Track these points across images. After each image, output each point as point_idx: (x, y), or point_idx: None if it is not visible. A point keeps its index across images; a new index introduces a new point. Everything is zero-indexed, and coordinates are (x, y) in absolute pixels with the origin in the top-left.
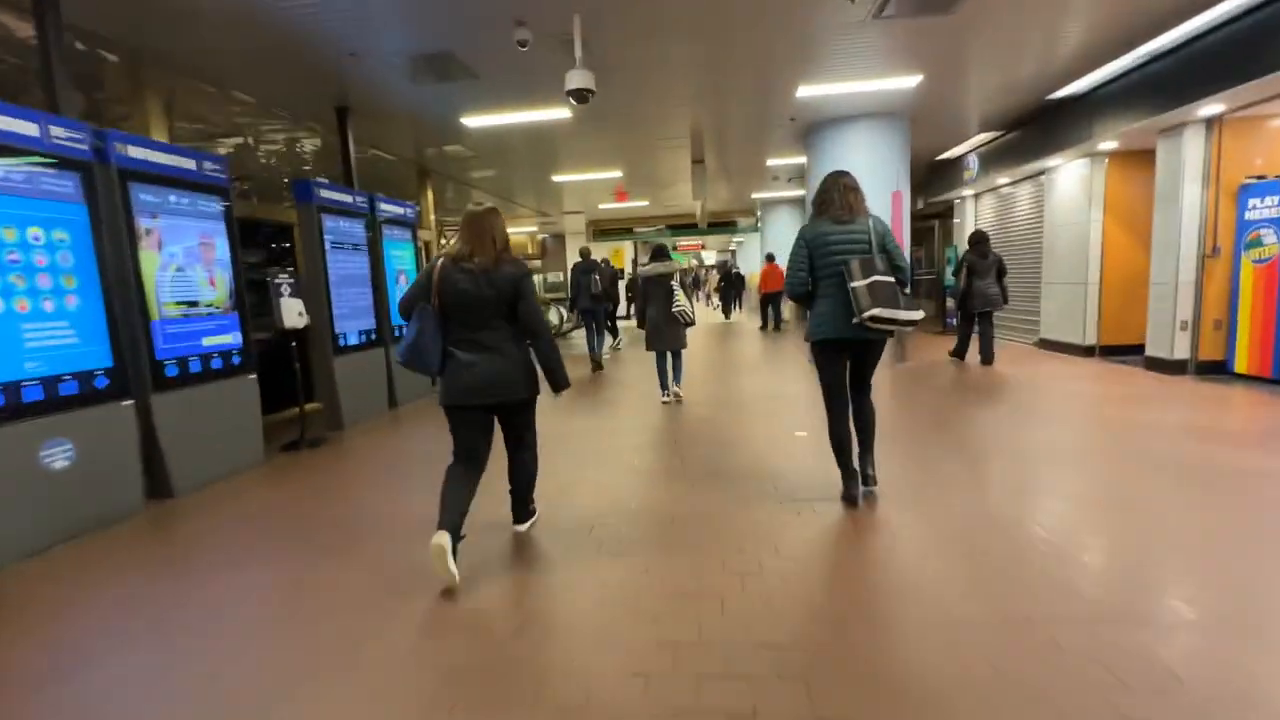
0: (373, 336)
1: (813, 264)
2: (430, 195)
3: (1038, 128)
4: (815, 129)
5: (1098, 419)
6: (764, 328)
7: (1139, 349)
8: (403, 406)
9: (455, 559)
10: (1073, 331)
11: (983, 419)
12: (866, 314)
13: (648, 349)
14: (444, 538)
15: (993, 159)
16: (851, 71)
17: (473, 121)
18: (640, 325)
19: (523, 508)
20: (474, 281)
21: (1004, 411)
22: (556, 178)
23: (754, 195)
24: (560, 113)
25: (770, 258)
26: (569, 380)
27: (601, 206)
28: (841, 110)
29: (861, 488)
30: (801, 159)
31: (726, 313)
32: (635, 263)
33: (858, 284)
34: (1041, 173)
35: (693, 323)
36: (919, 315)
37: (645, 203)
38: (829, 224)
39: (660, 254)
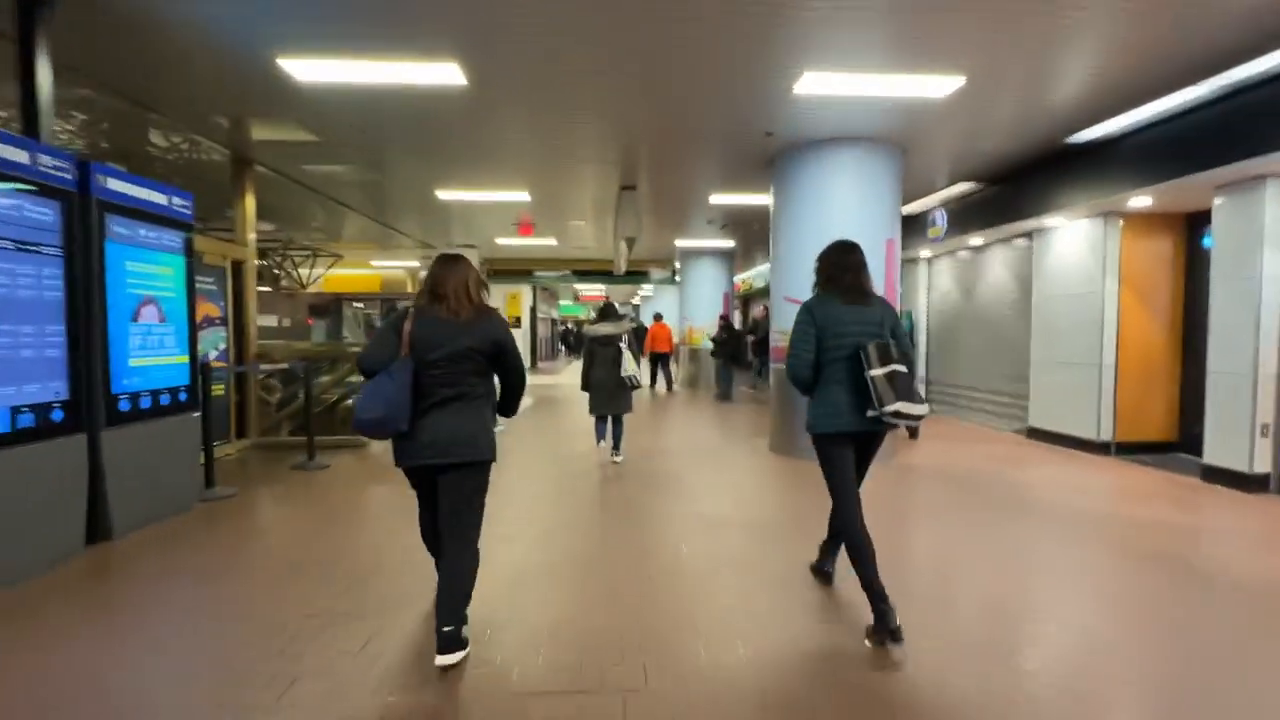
0: (55, 416)
1: (819, 345)
2: (249, 199)
3: (1033, 180)
4: (791, 154)
5: (1234, 583)
6: (653, 387)
7: (1161, 447)
8: (120, 540)
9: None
10: (1081, 423)
11: (1059, 561)
12: (890, 409)
13: (591, 412)
14: (450, 659)
15: (966, 216)
16: (870, 61)
17: (298, 68)
18: (584, 387)
19: (454, 624)
20: (452, 334)
21: (1083, 560)
22: (443, 194)
23: (677, 242)
24: (446, 73)
25: (658, 317)
26: (517, 410)
27: (500, 241)
28: (830, 128)
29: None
30: (760, 197)
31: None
32: (534, 311)
33: (877, 373)
34: (1029, 234)
35: (640, 386)
36: (927, 409)
37: (552, 241)
38: (837, 303)
39: (609, 312)
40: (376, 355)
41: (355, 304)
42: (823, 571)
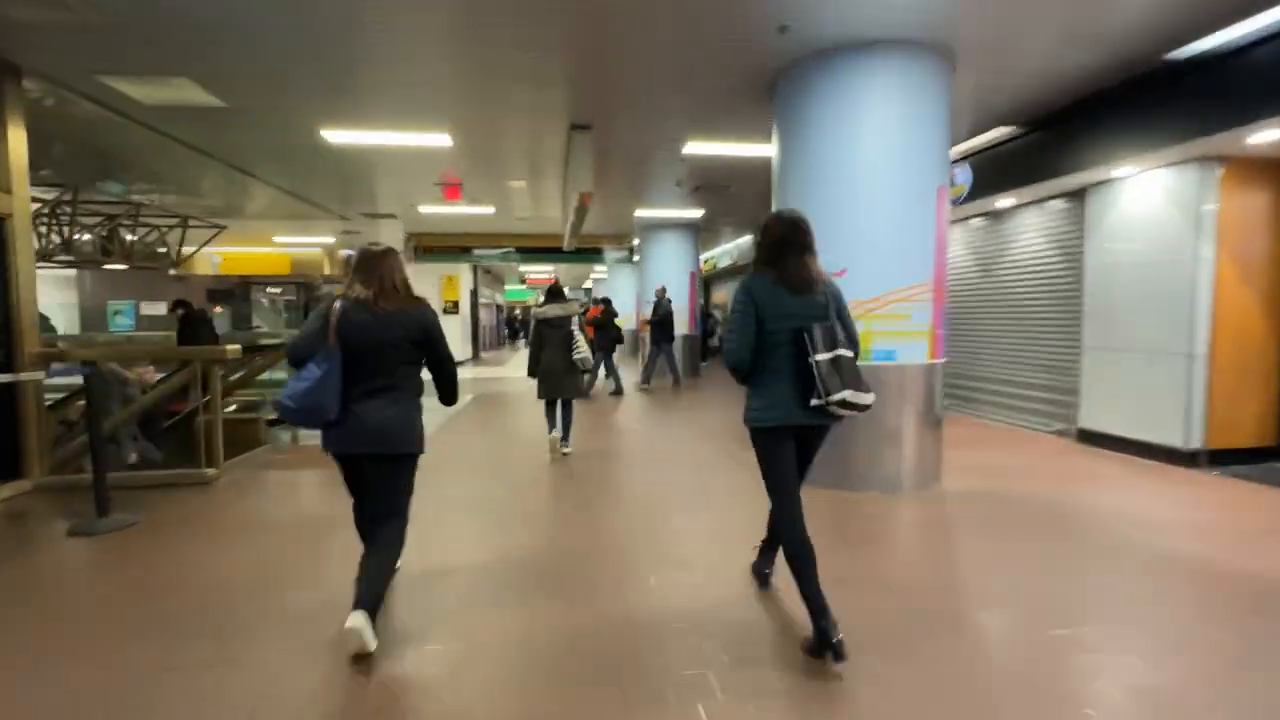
0: None
1: (760, 328)
2: (14, 126)
3: (1096, 118)
4: (804, 73)
5: None
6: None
7: (1256, 455)
8: None
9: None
10: (1158, 425)
11: None
12: (836, 397)
13: (539, 396)
14: (359, 621)
15: (993, 172)
16: None
17: None
18: (531, 372)
19: (373, 597)
20: (380, 325)
21: None
22: (332, 135)
23: (636, 213)
24: None
25: (596, 301)
26: (456, 399)
27: (424, 210)
28: (862, 20)
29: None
30: (745, 147)
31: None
32: (474, 295)
33: (821, 358)
34: (1080, 191)
35: (590, 370)
36: (874, 398)
37: (489, 209)
38: (778, 288)
39: (556, 294)
40: (305, 345)
41: (270, 289)
42: (762, 574)
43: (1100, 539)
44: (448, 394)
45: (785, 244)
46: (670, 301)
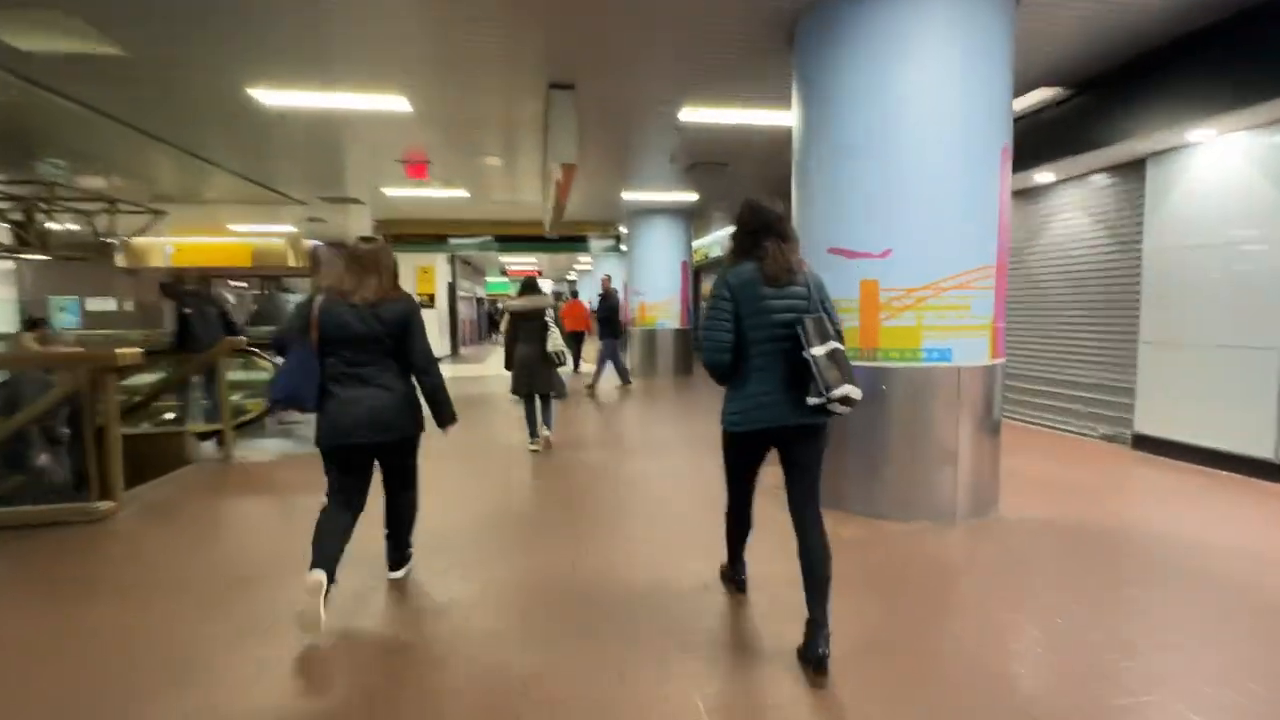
0: None
1: (738, 324)
2: None
3: (1164, 74)
4: (837, 4)
5: None
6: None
7: None
8: None
9: (326, 604)
10: (1238, 432)
11: None
12: (839, 393)
13: (513, 392)
14: (320, 576)
15: (1036, 139)
16: None
17: None
18: (507, 367)
19: (400, 551)
20: (359, 316)
21: None
22: (262, 94)
23: (624, 195)
24: None
25: (574, 294)
26: (456, 415)
27: (390, 193)
28: None
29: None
30: (752, 113)
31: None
32: (453, 288)
33: (818, 351)
34: (1137, 163)
35: (567, 363)
36: (860, 393)
37: (462, 193)
38: (757, 280)
39: (531, 287)
40: (287, 334)
41: (233, 283)
42: (735, 580)
43: (1227, 588)
44: (433, 401)
45: (763, 231)
46: (617, 294)
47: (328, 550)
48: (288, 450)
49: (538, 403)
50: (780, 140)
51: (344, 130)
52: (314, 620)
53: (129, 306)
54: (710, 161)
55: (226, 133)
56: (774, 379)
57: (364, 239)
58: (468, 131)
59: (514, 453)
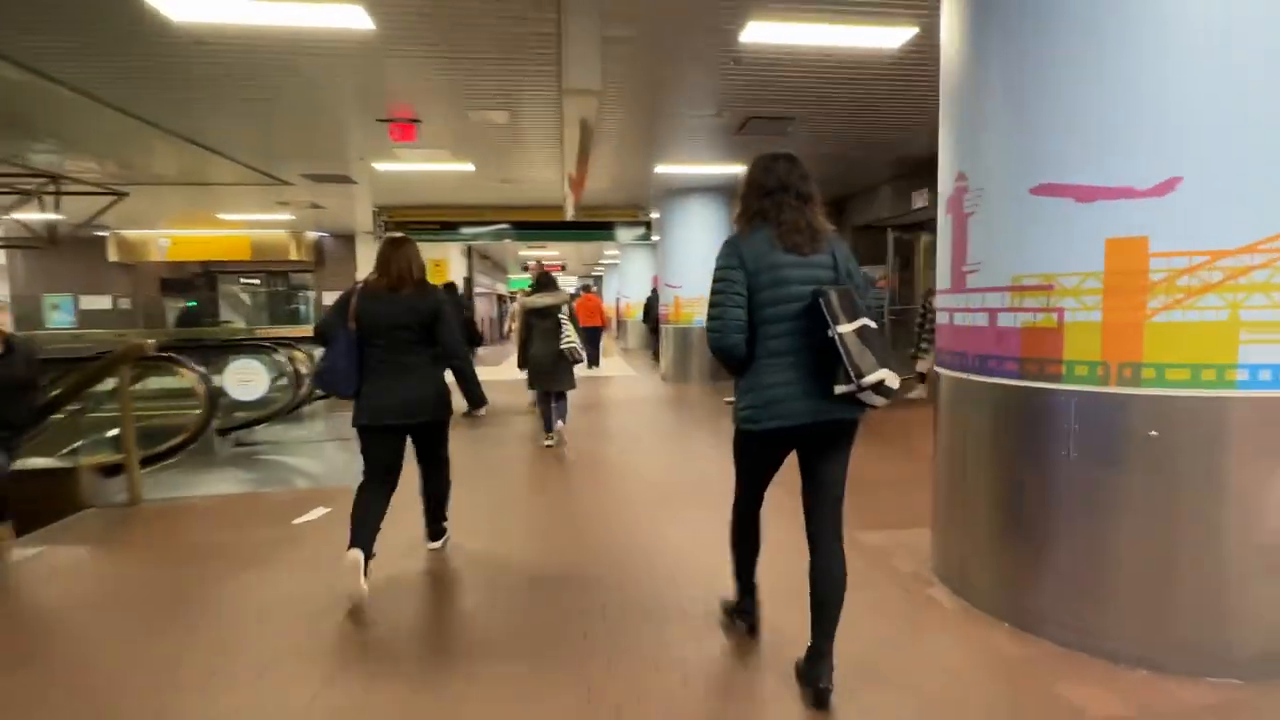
0: None
1: (751, 301)
2: None
3: None
4: None
5: None
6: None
7: None
8: None
9: (366, 577)
10: None
11: None
12: (872, 379)
13: (530, 388)
14: (357, 554)
15: None
16: None
17: None
18: (521, 364)
19: (437, 524)
20: (394, 307)
21: None
22: (161, 3)
23: (657, 169)
24: None
25: (586, 288)
26: (486, 397)
27: (380, 168)
28: None
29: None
30: (855, 31)
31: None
32: (469, 284)
33: (845, 329)
34: None
35: (582, 360)
36: (899, 381)
37: (468, 166)
38: (772, 246)
39: (547, 283)
40: (329, 324)
41: (245, 279)
42: (741, 612)
43: None
44: (463, 385)
45: (779, 190)
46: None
47: (366, 526)
48: (229, 490)
49: (552, 399)
50: (871, 78)
51: (290, 66)
52: (357, 594)
53: (125, 304)
54: (771, 116)
55: (146, 75)
56: (795, 366)
57: (392, 238)
58: (455, 64)
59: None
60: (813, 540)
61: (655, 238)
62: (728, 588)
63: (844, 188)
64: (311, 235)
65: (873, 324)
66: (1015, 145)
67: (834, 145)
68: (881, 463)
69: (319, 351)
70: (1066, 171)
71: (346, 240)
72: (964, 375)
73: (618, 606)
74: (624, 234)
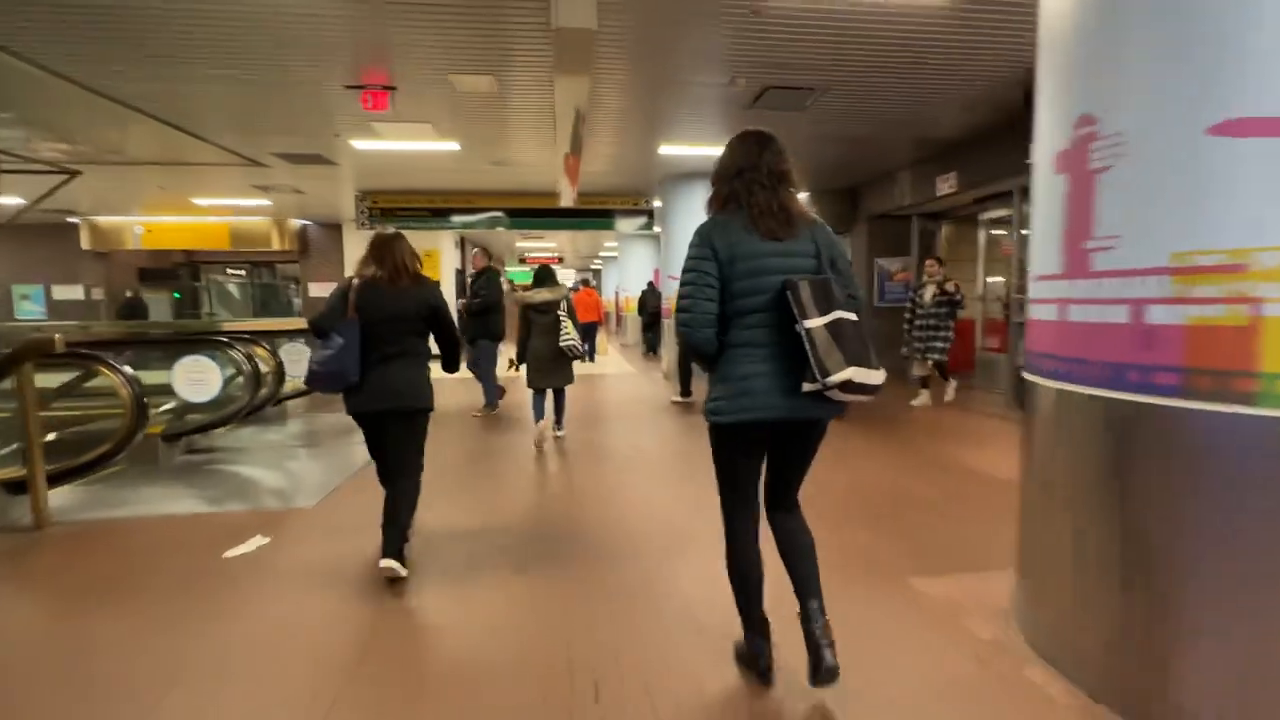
0: None
1: (724, 290)
2: None
3: None
4: None
5: None
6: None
7: None
8: None
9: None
10: None
11: None
12: (837, 379)
13: (529, 385)
14: (390, 562)
15: None
16: None
17: None
18: (519, 360)
19: (399, 539)
20: (392, 300)
21: None
22: None
23: (662, 150)
24: None
25: (585, 283)
26: (459, 365)
27: (360, 147)
28: None
29: (817, 664)
30: None
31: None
32: (461, 274)
33: (814, 323)
34: None
35: (581, 356)
36: (884, 376)
37: (453, 145)
38: (747, 233)
39: (546, 277)
40: (328, 318)
41: (230, 270)
42: (752, 655)
43: None
44: (450, 360)
45: (752, 169)
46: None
47: (395, 535)
48: (163, 509)
49: (549, 396)
50: (906, 39)
51: (256, 22)
52: (398, 576)
53: (98, 295)
54: (790, 86)
55: (99, 41)
56: (769, 358)
57: (384, 233)
58: (431, 18)
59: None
60: (773, 514)
61: (657, 229)
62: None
63: (860, 175)
64: (295, 223)
65: (850, 316)
66: (1184, 67)
67: (855, 124)
68: (914, 478)
69: (291, 346)
70: (1269, 96)
71: (333, 229)
72: (1081, 389)
73: (614, 679)
74: (624, 223)
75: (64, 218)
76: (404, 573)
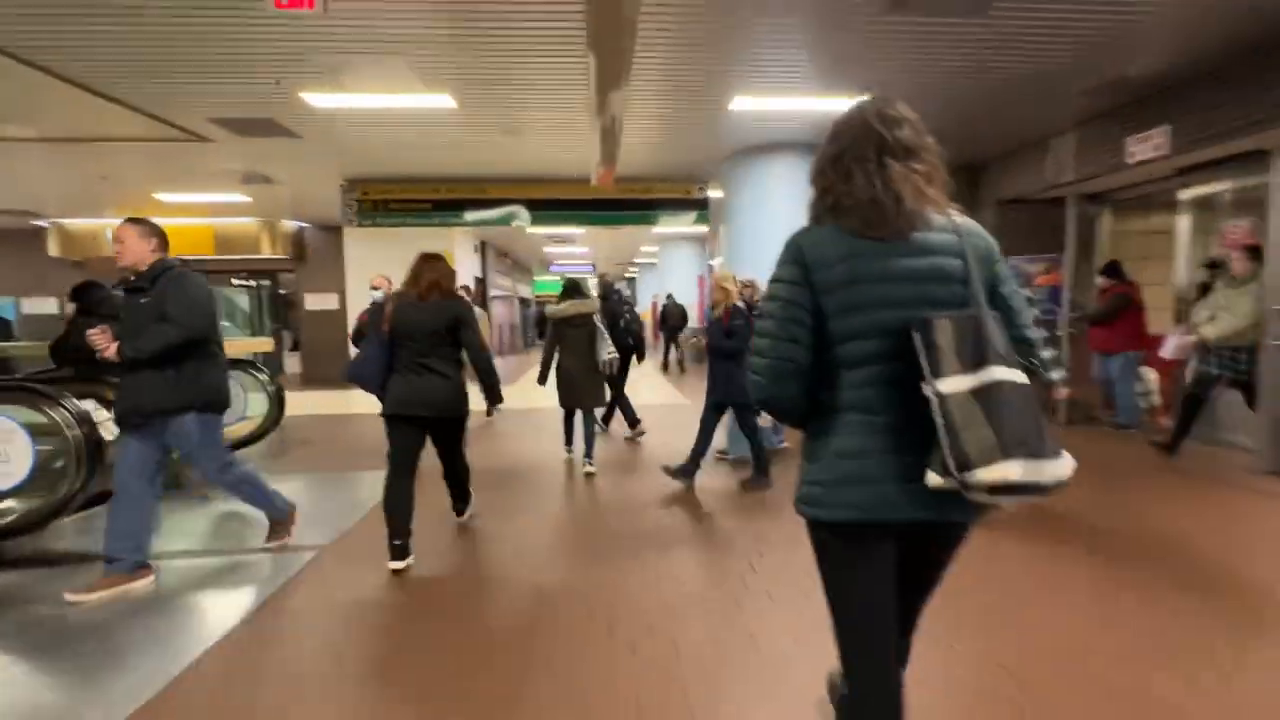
0: None
1: (822, 328)
2: None
3: None
4: None
5: None
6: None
7: None
8: None
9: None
10: None
11: None
12: (985, 477)
13: (561, 404)
14: (397, 564)
15: None
16: None
17: None
18: (542, 380)
19: (463, 500)
20: (423, 313)
21: None
22: None
23: (734, 106)
24: None
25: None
26: (502, 398)
27: (316, 103)
28: None
29: None
30: None
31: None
32: (483, 284)
33: (953, 387)
34: None
35: (615, 372)
36: (1067, 470)
37: (445, 98)
38: (855, 238)
39: (575, 290)
40: (359, 329)
41: (235, 280)
42: None
43: None
44: (484, 380)
45: (853, 145)
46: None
47: (399, 526)
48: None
49: (579, 416)
50: None
51: None
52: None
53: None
54: None
55: None
56: (886, 428)
57: (425, 254)
58: None
59: None
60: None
61: (703, 228)
62: None
63: (990, 146)
64: (289, 226)
65: (1017, 377)
66: None
67: (1016, 54)
68: (1143, 642)
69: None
70: None
71: (333, 233)
72: None
73: None
74: (670, 219)
75: (28, 220)
76: (464, 519)
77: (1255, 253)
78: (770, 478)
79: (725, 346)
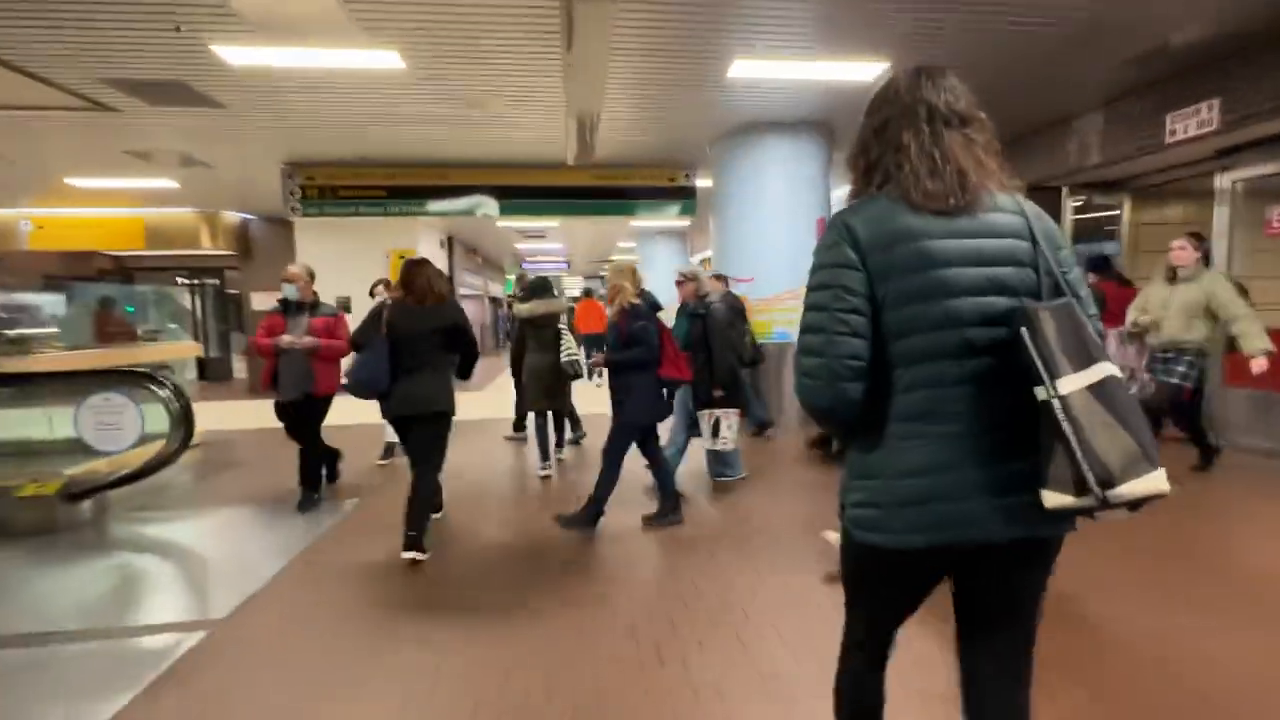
0: None
1: (878, 323)
2: None
3: None
4: None
5: None
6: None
7: None
8: None
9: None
10: None
11: None
12: (1135, 489)
13: (528, 408)
14: (411, 554)
15: None
16: None
17: None
18: (515, 379)
19: (419, 531)
20: (420, 317)
21: None
22: None
23: (733, 71)
24: None
25: (588, 293)
26: (472, 374)
27: (232, 58)
28: None
29: None
30: None
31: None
32: (448, 280)
33: (1072, 384)
34: None
35: (582, 374)
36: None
37: (393, 56)
38: (912, 212)
39: (542, 289)
40: (363, 333)
41: (180, 277)
42: None
43: None
44: (466, 369)
45: (910, 111)
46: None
47: (415, 522)
48: None
49: (550, 420)
50: None
51: None
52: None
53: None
54: None
55: None
56: (960, 439)
57: (413, 260)
58: None
59: None
60: (978, 705)
61: (686, 221)
62: None
63: (1006, 131)
64: (232, 218)
65: (1117, 371)
66: None
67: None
68: None
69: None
70: None
71: (282, 226)
72: None
73: None
74: (654, 209)
75: None
76: (424, 557)
77: None
78: (681, 513)
79: (624, 358)
